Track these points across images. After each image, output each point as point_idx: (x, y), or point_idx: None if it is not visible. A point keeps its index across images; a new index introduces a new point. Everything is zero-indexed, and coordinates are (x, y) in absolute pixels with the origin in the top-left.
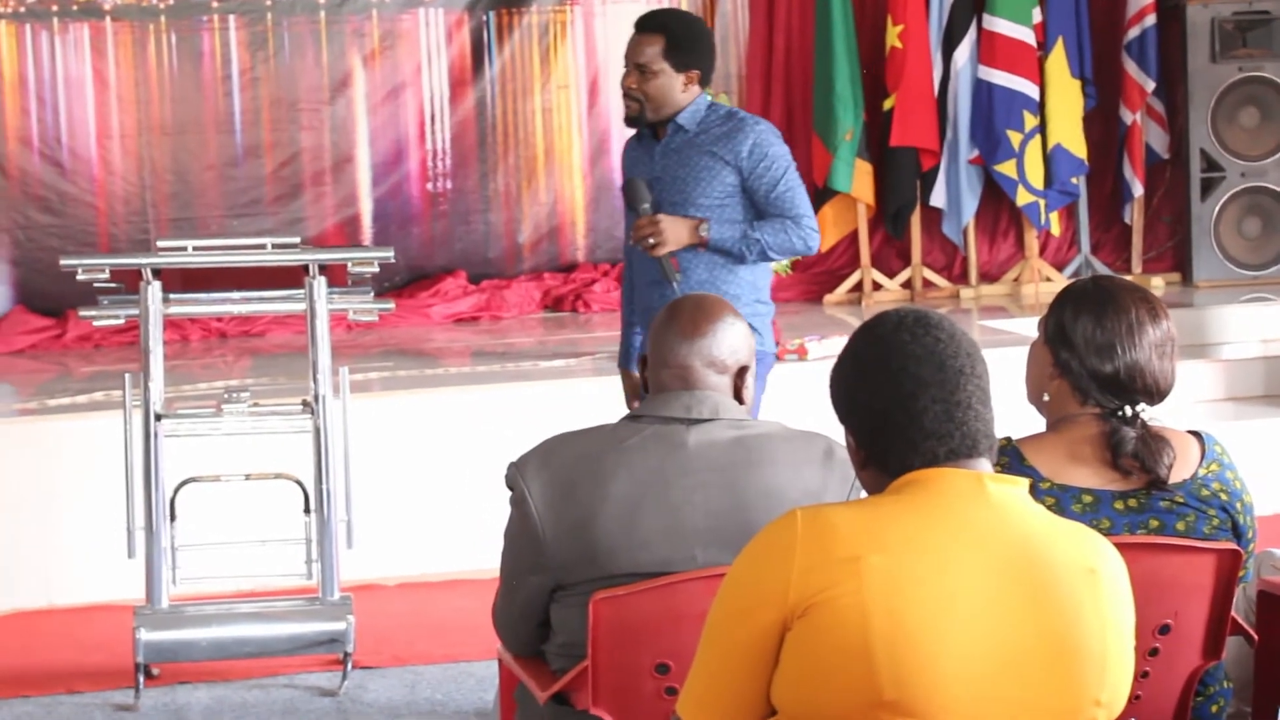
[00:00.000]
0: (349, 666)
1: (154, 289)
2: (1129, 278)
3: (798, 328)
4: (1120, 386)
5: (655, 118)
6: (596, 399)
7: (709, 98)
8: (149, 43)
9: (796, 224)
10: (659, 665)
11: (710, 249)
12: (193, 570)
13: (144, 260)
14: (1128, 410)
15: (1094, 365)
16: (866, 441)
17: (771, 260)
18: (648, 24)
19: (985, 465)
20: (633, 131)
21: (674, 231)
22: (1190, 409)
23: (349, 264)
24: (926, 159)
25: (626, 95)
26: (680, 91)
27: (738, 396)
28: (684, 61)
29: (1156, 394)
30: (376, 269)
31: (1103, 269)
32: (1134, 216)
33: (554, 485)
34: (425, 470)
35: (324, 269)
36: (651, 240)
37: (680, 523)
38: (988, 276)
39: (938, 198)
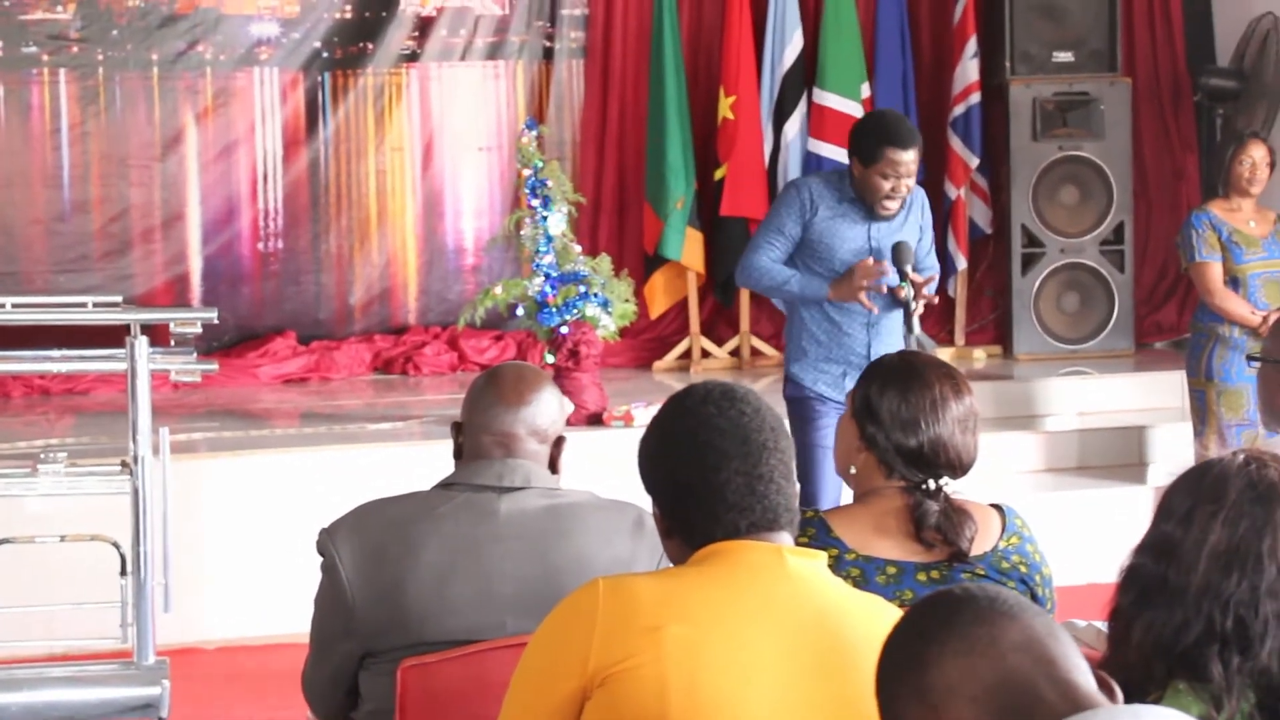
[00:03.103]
0: None
1: None
2: (952, 349)
3: (626, 394)
4: (924, 460)
5: None
6: (425, 462)
7: None
8: None
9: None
10: None
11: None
12: (4, 633)
13: None
14: (931, 484)
15: (899, 440)
16: (670, 512)
17: None
18: (916, 138)
19: (786, 538)
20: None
21: None
22: (1010, 479)
23: (171, 324)
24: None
25: (891, 198)
26: None
27: (553, 465)
28: None
29: (959, 468)
30: (199, 329)
31: (927, 341)
32: (958, 289)
33: (364, 552)
34: (248, 532)
35: (148, 328)
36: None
37: (490, 590)
38: None
39: None
